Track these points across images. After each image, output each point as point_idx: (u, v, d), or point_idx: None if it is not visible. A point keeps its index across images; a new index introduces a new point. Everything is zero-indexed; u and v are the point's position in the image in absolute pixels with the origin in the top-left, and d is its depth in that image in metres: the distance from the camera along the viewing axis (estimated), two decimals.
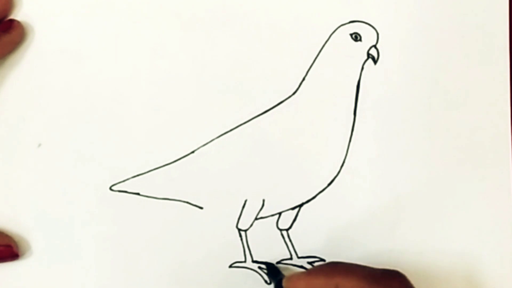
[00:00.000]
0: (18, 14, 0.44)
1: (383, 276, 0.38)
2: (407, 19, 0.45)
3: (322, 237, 0.44)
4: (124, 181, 0.44)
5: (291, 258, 0.44)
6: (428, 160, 0.44)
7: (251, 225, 0.44)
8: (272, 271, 0.44)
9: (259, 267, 0.44)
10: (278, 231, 0.44)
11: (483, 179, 0.45)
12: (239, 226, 0.44)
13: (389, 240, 0.44)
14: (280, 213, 0.44)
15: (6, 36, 0.43)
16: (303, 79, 0.45)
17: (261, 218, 0.44)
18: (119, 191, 0.44)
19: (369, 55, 0.45)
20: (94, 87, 0.45)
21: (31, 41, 0.45)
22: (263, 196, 0.44)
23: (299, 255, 0.44)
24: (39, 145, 0.44)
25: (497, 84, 0.45)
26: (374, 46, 0.45)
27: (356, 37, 0.45)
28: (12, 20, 0.43)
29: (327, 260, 0.44)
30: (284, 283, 0.41)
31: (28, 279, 0.44)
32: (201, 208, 0.44)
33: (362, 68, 0.45)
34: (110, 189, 0.44)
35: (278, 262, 0.44)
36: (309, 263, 0.44)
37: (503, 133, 0.45)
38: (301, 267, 0.44)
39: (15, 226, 0.44)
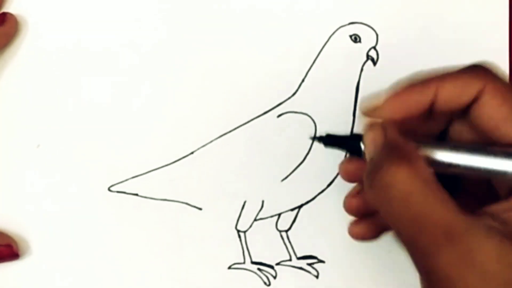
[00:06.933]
0: (18, 13, 0.45)
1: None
2: (407, 21, 0.45)
3: (321, 238, 0.44)
4: (122, 181, 0.44)
5: (290, 260, 0.44)
6: None
7: (250, 226, 0.44)
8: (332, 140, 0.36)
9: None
10: (278, 232, 0.44)
11: None
12: (238, 227, 0.44)
13: (389, 240, 0.44)
14: (279, 214, 0.44)
15: (0, 29, 0.44)
16: (303, 80, 0.44)
17: (260, 219, 0.44)
18: (118, 191, 0.44)
19: (368, 57, 0.44)
20: (93, 88, 0.45)
21: (30, 41, 0.45)
22: (262, 197, 0.44)
23: (298, 256, 0.44)
24: (38, 145, 0.44)
25: None
26: (374, 47, 0.44)
27: (355, 38, 0.44)
28: (4, 13, 0.44)
29: (326, 262, 0.44)
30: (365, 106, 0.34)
31: (28, 279, 0.44)
32: (200, 209, 0.44)
33: (362, 70, 0.44)
34: (109, 189, 0.44)
35: (278, 264, 0.44)
36: (309, 264, 0.44)
37: None
38: (301, 268, 0.44)
39: (15, 226, 0.44)
